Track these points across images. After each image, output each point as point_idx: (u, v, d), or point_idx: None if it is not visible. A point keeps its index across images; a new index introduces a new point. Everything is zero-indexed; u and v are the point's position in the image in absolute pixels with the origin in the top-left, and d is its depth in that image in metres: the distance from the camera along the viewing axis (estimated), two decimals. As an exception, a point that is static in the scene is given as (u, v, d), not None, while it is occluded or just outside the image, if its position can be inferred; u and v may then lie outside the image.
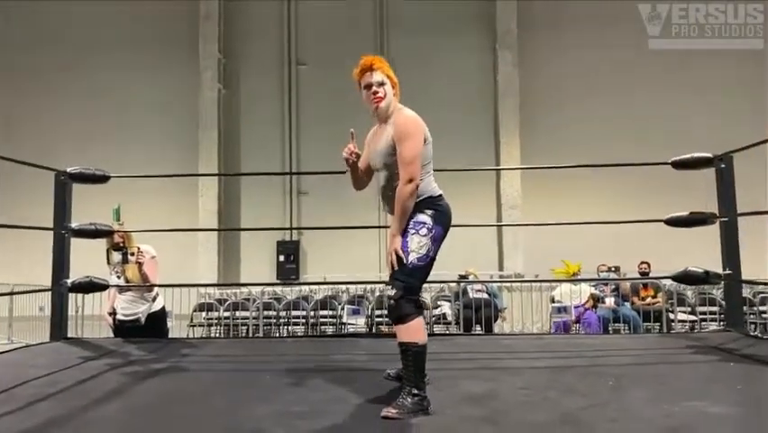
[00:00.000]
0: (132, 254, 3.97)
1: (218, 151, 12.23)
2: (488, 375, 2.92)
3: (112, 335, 4.27)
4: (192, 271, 11.47)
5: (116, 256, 4.05)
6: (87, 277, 3.91)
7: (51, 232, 3.98)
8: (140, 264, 3.99)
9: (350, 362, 3.26)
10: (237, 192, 12.50)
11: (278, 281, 11.38)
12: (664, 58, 12.03)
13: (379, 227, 11.72)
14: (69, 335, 4.11)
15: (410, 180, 2.39)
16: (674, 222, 3.81)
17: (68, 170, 3.92)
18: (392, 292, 2.38)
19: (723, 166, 3.84)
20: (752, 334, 4.14)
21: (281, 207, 12.34)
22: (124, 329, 4.13)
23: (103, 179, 3.99)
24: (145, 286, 4.09)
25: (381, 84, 2.51)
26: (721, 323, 7.39)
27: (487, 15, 12.33)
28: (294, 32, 12.67)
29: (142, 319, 4.13)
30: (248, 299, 9.03)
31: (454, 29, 12.42)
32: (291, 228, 12.32)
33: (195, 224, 11.77)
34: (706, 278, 3.66)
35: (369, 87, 2.51)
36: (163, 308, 4.28)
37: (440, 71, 12.26)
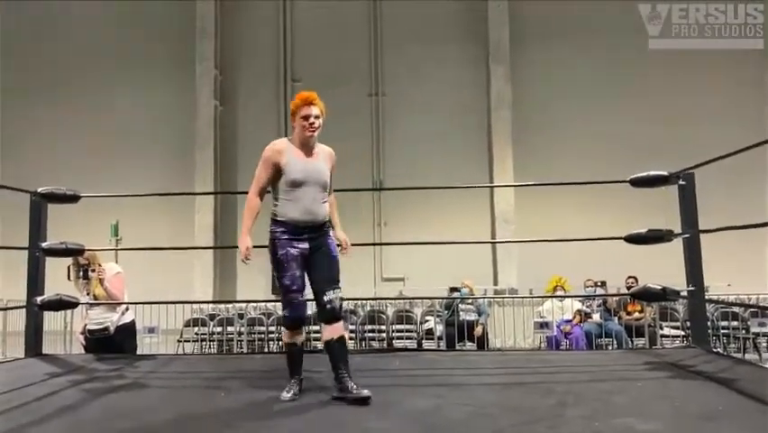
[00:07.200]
0: (93, 271, 4.09)
1: (215, 167, 12.38)
2: (437, 392, 2.96)
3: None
4: (188, 285, 11.58)
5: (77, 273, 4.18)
6: (58, 295, 4.01)
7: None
8: (101, 280, 4.11)
9: (314, 378, 3.26)
10: (234, 207, 12.59)
11: (271, 299, 11.41)
12: (664, 60, 11.94)
13: (374, 244, 11.86)
14: (58, 351, 4.21)
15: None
16: (633, 239, 3.85)
17: (39, 190, 4.04)
18: (338, 295, 2.94)
19: (683, 183, 3.88)
20: (714, 350, 4.13)
21: (277, 223, 12.37)
22: (94, 341, 4.22)
23: (74, 198, 4.11)
24: (115, 304, 4.19)
25: (318, 117, 2.93)
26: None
27: (479, 30, 12.43)
28: (289, 49, 12.84)
29: (111, 329, 4.19)
30: (240, 315, 9.09)
31: (447, 44, 12.54)
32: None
33: (191, 239, 11.87)
34: (663, 294, 3.69)
35: (307, 117, 2.91)
36: (133, 321, 4.36)
37: (433, 87, 12.35)
